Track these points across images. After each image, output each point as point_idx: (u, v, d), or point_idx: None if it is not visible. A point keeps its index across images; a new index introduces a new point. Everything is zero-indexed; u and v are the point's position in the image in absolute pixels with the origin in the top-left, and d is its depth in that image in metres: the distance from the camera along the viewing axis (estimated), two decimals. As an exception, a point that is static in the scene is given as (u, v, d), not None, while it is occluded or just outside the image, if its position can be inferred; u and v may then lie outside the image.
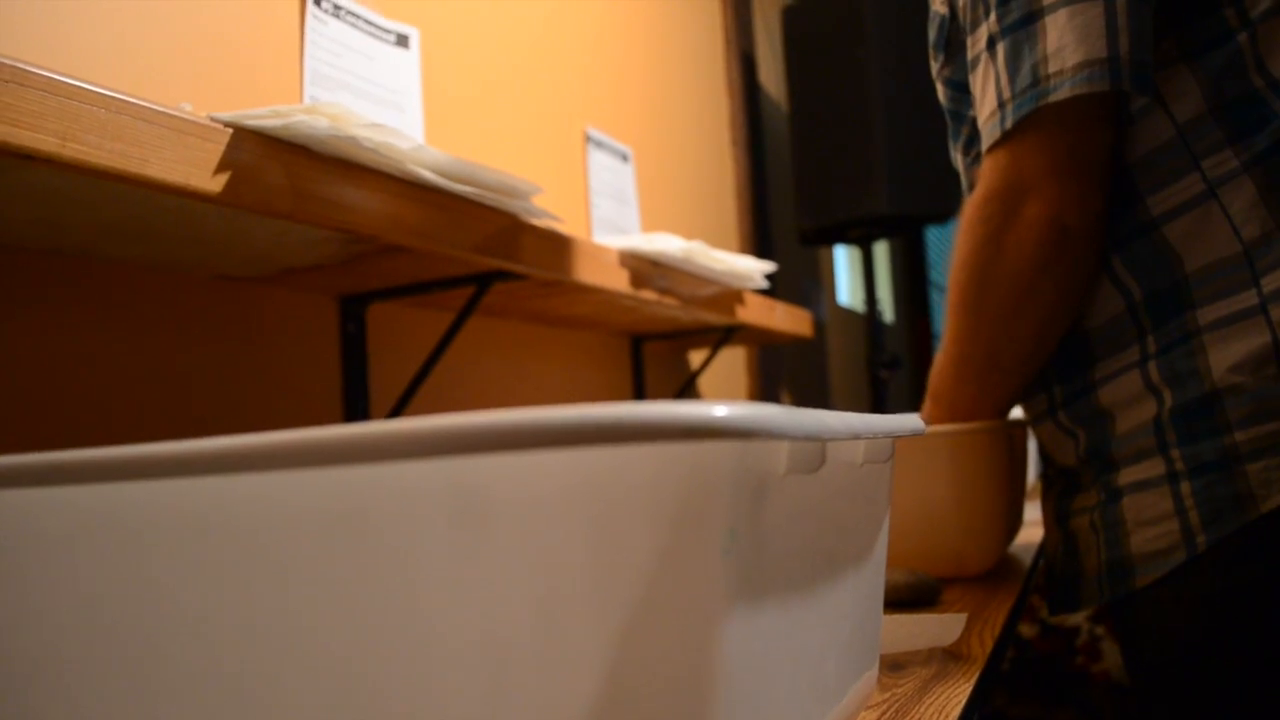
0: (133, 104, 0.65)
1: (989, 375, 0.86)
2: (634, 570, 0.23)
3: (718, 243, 2.26)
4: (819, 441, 0.28)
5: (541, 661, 0.23)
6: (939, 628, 0.60)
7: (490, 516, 0.23)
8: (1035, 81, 0.75)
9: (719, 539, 0.25)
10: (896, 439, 0.40)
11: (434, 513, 0.23)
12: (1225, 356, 0.75)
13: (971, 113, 0.92)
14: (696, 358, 2.11)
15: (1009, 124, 0.77)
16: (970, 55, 0.83)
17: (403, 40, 1.29)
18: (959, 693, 0.52)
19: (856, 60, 2.29)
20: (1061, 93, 0.74)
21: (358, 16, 1.22)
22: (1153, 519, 0.78)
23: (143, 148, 0.65)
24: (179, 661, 0.27)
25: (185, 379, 0.97)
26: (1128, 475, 0.80)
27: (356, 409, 1.16)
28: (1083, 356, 0.84)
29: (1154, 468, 0.78)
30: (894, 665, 0.59)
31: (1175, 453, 0.77)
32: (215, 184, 0.70)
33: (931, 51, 0.96)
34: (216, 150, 0.70)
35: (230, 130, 0.72)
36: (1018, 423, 0.95)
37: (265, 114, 0.74)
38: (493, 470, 0.23)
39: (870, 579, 0.42)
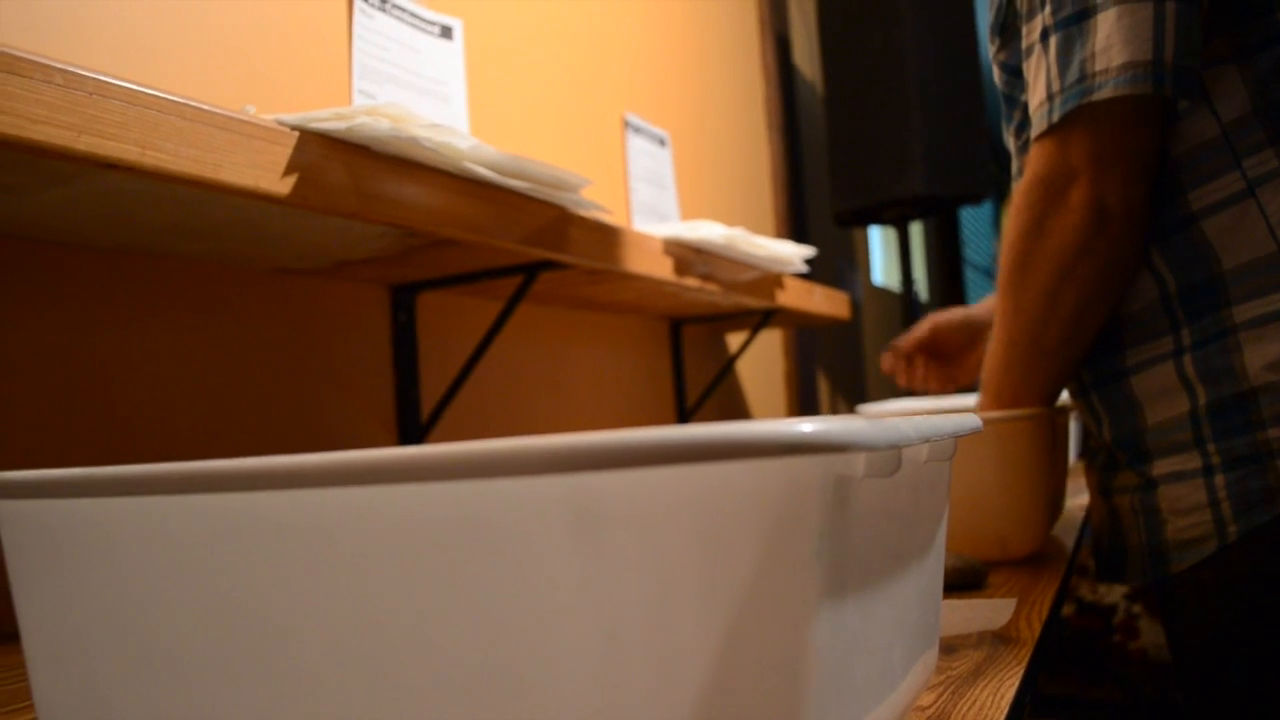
0: (206, 111, 0.68)
1: (1034, 359, 0.88)
2: (737, 573, 0.26)
3: (754, 224, 2.28)
4: (896, 450, 0.30)
5: (654, 656, 0.26)
6: (990, 612, 0.62)
7: (607, 526, 0.25)
8: (1082, 78, 0.77)
9: (811, 542, 0.27)
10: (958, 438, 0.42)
11: (555, 522, 0.25)
12: (1261, 355, 0.77)
13: (1024, 97, 0.94)
14: (734, 339, 2.12)
15: (1056, 116, 0.79)
16: (1025, 44, 0.84)
17: (446, 32, 1.31)
18: (1012, 675, 0.54)
19: (891, 41, 2.28)
20: (1105, 91, 0.75)
21: (403, 10, 1.24)
22: (1187, 509, 0.81)
23: (216, 153, 0.68)
24: (314, 658, 0.30)
25: (244, 367, 1.00)
26: (1162, 466, 0.83)
27: (407, 394, 1.19)
28: (1113, 341, 0.86)
29: (1190, 460, 0.81)
30: (947, 648, 0.61)
31: (1211, 447, 0.79)
32: (284, 186, 0.73)
33: (990, 34, 0.97)
34: (284, 153, 0.73)
35: (297, 134, 0.74)
36: (1060, 409, 0.96)
37: (329, 116, 0.77)
38: (610, 484, 0.25)
39: (932, 569, 0.44)
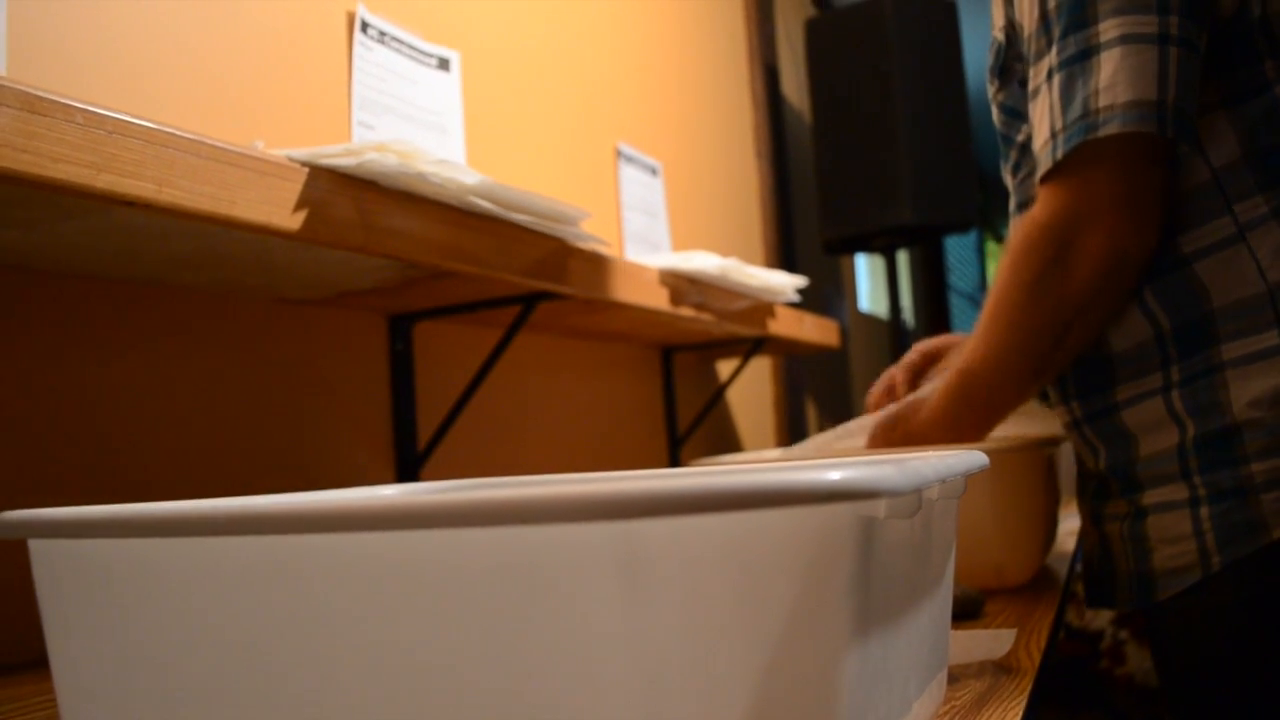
0: (220, 148, 0.69)
1: (1028, 386, 0.90)
2: (774, 612, 0.27)
3: (744, 252, 2.30)
4: (918, 493, 0.32)
5: (694, 698, 0.27)
6: (991, 642, 0.63)
7: (651, 571, 0.26)
8: (1085, 114, 0.78)
9: (842, 580, 0.28)
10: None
11: (601, 568, 0.27)
12: (1246, 391, 0.78)
13: (1020, 137, 0.95)
14: (724, 366, 2.14)
15: (1060, 154, 0.80)
16: (1032, 85, 0.85)
17: (444, 64, 1.33)
18: (1014, 705, 0.55)
19: (878, 71, 2.32)
20: (1111, 128, 0.76)
21: (401, 42, 1.26)
22: (1173, 538, 0.83)
23: (230, 190, 0.69)
24: (356, 702, 0.31)
25: (242, 395, 1.01)
26: (1151, 496, 0.85)
27: (405, 423, 1.20)
28: (1104, 377, 0.88)
29: (1177, 492, 0.82)
30: (950, 678, 0.62)
31: (1197, 479, 0.81)
32: (294, 221, 0.74)
33: (989, 76, 0.99)
34: (295, 189, 0.74)
35: (307, 170, 0.75)
36: (1054, 439, 0.98)
37: (338, 152, 0.78)
38: (655, 530, 0.26)
39: (942, 602, 0.46)
